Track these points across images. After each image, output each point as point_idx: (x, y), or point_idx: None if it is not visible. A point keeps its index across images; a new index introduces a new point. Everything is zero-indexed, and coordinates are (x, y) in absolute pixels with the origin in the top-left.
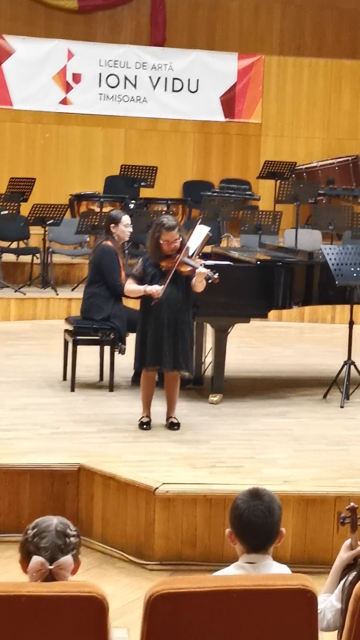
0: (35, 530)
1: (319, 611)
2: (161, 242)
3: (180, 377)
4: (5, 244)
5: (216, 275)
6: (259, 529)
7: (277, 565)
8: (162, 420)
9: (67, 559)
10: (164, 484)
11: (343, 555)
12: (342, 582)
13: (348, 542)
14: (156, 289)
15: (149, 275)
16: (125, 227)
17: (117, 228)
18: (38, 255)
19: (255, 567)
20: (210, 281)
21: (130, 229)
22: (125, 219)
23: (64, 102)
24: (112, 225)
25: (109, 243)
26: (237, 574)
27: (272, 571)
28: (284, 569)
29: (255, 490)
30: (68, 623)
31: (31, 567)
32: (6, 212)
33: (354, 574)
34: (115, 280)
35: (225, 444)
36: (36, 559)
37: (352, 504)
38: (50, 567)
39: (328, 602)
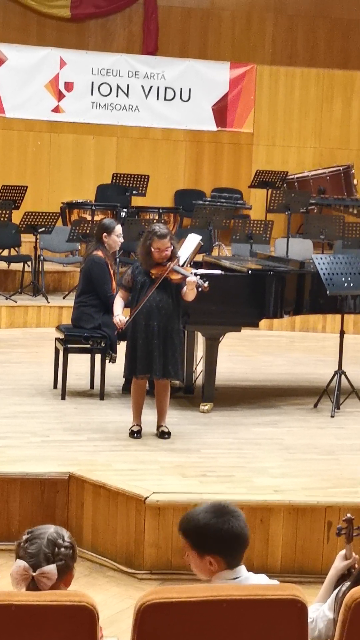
0: (29, 535)
1: (310, 620)
2: (152, 249)
3: (170, 386)
4: None
5: (206, 284)
6: (240, 540)
7: (254, 576)
8: (153, 429)
9: (51, 568)
10: (154, 492)
11: (338, 565)
12: (335, 592)
13: (343, 552)
14: (120, 320)
15: (138, 284)
16: (117, 237)
17: (110, 238)
18: (29, 263)
19: (241, 580)
20: (200, 289)
21: (122, 239)
22: (118, 228)
23: (56, 110)
24: (105, 234)
25: (100, 253)
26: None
27: (253, 581)
28: (262, 578)
29: (217, 508)
30: (58, 632)
31: (14, 570)
32: None
33: (347, 584)
34: (106, 292)
35: (215, 453)
36: (19, 563)
37: (348, 515)
38: (34, 573)
39: (320, 612)
